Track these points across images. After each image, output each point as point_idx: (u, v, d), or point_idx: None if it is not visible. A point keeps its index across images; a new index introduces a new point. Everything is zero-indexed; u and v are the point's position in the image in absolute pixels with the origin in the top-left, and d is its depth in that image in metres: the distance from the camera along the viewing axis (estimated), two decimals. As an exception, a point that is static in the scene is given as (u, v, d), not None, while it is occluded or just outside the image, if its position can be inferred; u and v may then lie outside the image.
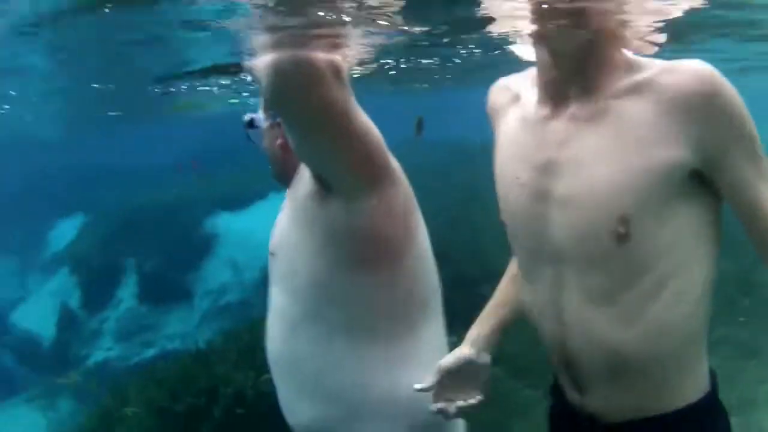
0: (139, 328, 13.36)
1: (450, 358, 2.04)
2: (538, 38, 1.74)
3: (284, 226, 2.42)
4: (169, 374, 7.78)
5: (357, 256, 2.24)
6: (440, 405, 2.05)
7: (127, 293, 14.15)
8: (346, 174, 2.19)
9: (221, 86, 10.16)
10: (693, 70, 1.60)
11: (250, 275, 13.17)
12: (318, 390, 2.33)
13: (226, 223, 15.28)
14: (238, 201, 15.65)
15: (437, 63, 10.80)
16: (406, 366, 2.28)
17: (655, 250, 1.65)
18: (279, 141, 2.50)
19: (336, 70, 2.02)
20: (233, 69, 6.70)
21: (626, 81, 1.68)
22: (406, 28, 4.67)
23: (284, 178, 2.52)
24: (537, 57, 1.82)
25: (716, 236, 1.73)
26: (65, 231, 18.07)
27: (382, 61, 8.82)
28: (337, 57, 2.05)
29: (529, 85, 1.91)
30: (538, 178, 1.79)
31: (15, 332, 15.11)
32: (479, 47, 9.58)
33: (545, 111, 1.80)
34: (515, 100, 1.95)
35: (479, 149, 17.76)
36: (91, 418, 8.28)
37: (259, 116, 2.60)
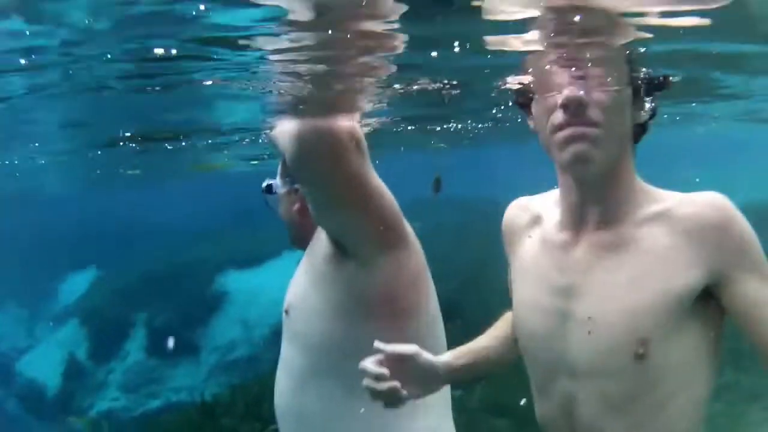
0: (145, 380, 13.30)
1: (397, 347, 2.01)
2: (563, 166, 1.79)
3: (300, 285, 2.46)
4: (174, 426, 7.74)
5: (371, 314, 2.28)
6: (371, 373, 1.97)
7: (135, 346, 14.12)
8: (362, 239, 2.25)
9: (239, 147, 10.26)
10: (709, 202, 1.72)
11: (260, 332, 13.15)
12: None
13: (238, 281, 15.35)
14: (251, 259, 15.75)
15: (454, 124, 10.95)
16: (415, 419, 2.29)
17: (668, 366, 1.74)
18: (296, 206, 2.59)
19: (356, 141, 2.11)
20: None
21: (645, 210, 1.77)
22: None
23: (301, 242, 2.59)
24: (560, 183, 1.89)
25: (719, 350, 1.81)
26: (77, 284, 18.16)
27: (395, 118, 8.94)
28: (356, 126, 2.14)
29: (550, 205, 1.98)
30: (560, 300, 1.85)
31: (21, 380, 14.98)
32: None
33: (566, 236, 1.87)
34: (535, 221, 2.02)
35: (494, 208, 17.89)
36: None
37: (277, 182, 2.67)
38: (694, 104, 8.90)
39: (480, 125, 10.99)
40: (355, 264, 2.26)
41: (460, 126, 11.14)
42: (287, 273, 2.58)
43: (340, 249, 2.28)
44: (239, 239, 16.73)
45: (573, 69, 2.27)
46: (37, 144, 9.28)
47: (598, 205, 1.80)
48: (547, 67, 2.09)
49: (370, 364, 1.93)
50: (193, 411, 8.61)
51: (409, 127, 10.25)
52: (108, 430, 10.10)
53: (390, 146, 13.82)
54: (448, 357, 2.13)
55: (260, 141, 8.42)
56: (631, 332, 1.72)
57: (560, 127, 1.71)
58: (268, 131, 2.94)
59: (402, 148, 16.42)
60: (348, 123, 2.14)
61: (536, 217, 2.01)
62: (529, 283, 1.97)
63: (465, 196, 17.53)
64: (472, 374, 2.11)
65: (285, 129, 2.21)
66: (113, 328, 14.44)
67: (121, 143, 9.99)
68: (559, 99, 1.69)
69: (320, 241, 2.38)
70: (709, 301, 1.74)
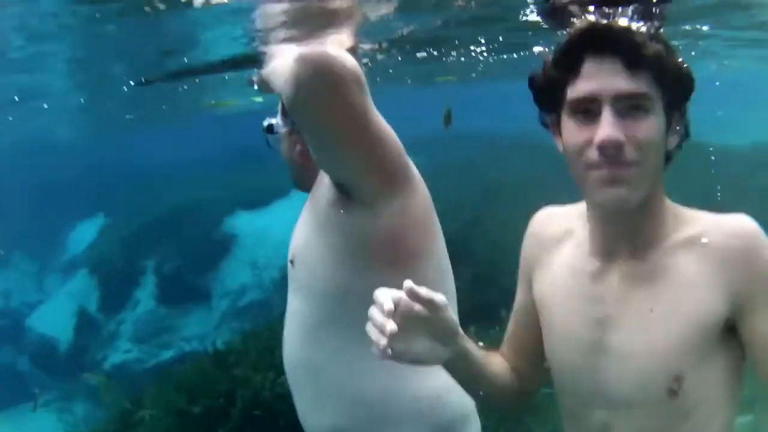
0: (157, 330, 13.37)
1: (429, 291, 1.75)
2: (598, 205, 1.76)
3: (304, 233, 2.41)
4: (186, 377, 7.68)
5: (379, 259, 2.23)
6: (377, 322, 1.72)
7: (145, 294, 14.18)
8: (366, 182, 2.19)
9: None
10: (738, 228, 1.69)
11: (269, 275, 13.16)
12: (341, 397, 2.34)
13: (246, 223, 15.28)
14: (258, 200, 15.68)
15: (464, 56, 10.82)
16: (426, 378, 2.25)
17: (700, 399, 1.73)
18: (298, 147, 2.50)
19: (356, 77, 2.03)
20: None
21: (675, 237, 1.75)
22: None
23: (304, 184, 2.53)
24: (589, 211, 1.85)
25: (741, 385, 1.80)
26: (85, 233, 18.18)
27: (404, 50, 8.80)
28: (354, 61, 2.05)
29: (580, 222, 1.92)
30: (594, 331, 1.83)
31: (32, 337, 15.15)
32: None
33: (597, 264, 1.84)
34: (567, 235, 1.97)
35: (505, 142, 17.89)
36: (107, 421, 8.23)
37: (278, 121, 2.59)
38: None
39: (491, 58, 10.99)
40: (359, 208, 2.22)
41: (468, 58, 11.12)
42: (295, 213, 2.52)
43: (343, 193, 2.23)
44: (245, 179, 16.58)
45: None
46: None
47: (630, 234, 1.78)
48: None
49: (378, 314, 1.70)
50: (206, 361, 8.51)
51: (418, 54, 10.19)
52: (123, 384, 10.04)
53: (397, 79, 13.75)
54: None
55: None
56: (666, 368, 1.72)
57: (595, 166, 1.64)
58: (254, 76, 2.67)
59: (409, 81, 16.34)
60: (348, 58, 2.04)
61: (568, 231, 1.96)
62: (560, 311, 1.92)
63: (475, 130, 17.28)
64: (469, 369, 1.92)
65: (278, 68, 2.13)
66: (122, 277, 14.48)
67: (124, 87, 10.08)
68: (595, 136, 1.62)
69: (323, 184, 2.33)
70: (735, 331, 1.71)
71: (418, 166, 2.32)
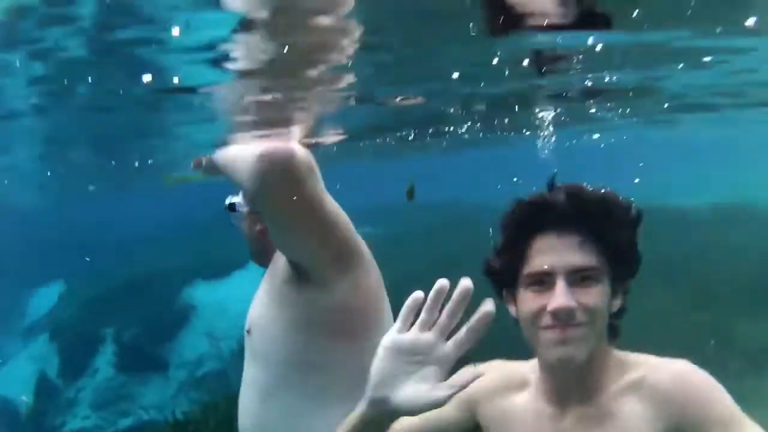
0: (115, 397, 13.25)
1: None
2: (548, 363, 1.89)
3: (261, 305, 2.50)
4: (145, 446, 7.81)
5: (332, 330, 2.33)
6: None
7: (104, 362, 14.04)
8: (320, 262, 2.29)
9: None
10: (675, 371, 1.80)
11: (227, 345, 13.15)
12: None
13: (205, 294, 15.33)
14: (217, 272, 15.74)
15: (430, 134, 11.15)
16: None
17: None
18: (258, 227, 2.65)
19: (311, 170, 2.14)
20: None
21: (620, 382, 1.86)
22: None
23: (263, 259, 2.63)
24: (540, 366, 1.96)
25: None
26: (46, 298, 18.09)
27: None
28: (308, 155, 2.14)
29: (534, 376, 2.02)
30: None
31: (-8, 398, 14.86)
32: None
33: (552, 409, 1.94)
34: (524, 383, 2.04)
35: (461, 211, 18.24)
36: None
37: (240, 200, 2.70)
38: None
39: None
40: (314, 286, 2.31)
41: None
42: (253, 285, 2.61)
43: (298, 272, 2.34)
44: (205, 250, 16.73)
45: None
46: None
47: (579, 384, 1.89)
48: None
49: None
50: (165, 430, 8.66)
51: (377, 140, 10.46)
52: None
53: (353, 156, 13.98)
54: None
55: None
56: None
57: (548, 327, 1.78)
58: (201, 159, 2.75)
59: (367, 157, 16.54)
60: (302, 153, 2.14)
61: (524, 380, 2.04)
62: None
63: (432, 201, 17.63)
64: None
65: (238, 161, 2.21)
66: (82, 344, 14.38)
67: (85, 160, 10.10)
68: (549, 303, 1.76)
69: (280, 261, 2.44)
70: None
71: (376, 236, 2.47)
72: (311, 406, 2.35)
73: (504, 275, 1.90)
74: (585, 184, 1.84)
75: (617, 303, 1.87)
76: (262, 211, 2.38)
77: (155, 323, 14.30)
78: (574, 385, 1.89)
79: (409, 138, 11.10)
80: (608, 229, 1.79)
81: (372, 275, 2.42)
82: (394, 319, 1.80)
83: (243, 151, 2.20)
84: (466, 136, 11.50)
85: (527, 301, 1.82)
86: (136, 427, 11.95)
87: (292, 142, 2.21)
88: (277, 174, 2.09)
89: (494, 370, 2.08)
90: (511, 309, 1.92)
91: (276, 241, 2.37)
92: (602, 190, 1.82)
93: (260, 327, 2.47)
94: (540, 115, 9.34)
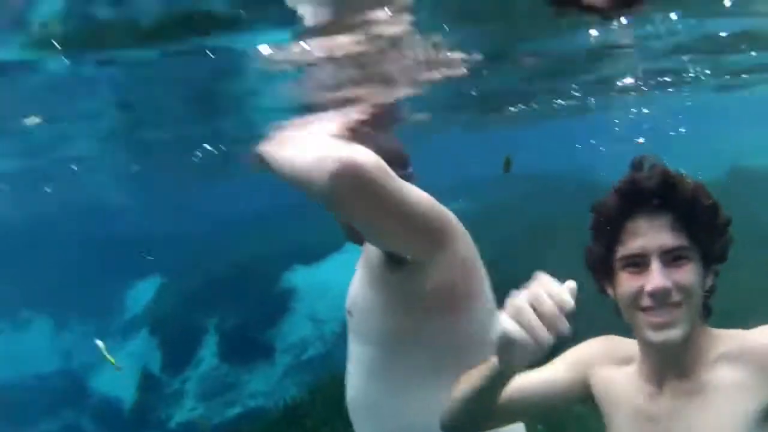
0: (221, 387, 13.35)
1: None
2: (651, 344, 1.92)
3: (358, 288, 2.57)
4: (256, 433, 7.72)
5: (432, 307, 2.35)
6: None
7: (208, 352, 14.22)
8: (412, 249, 2.30)
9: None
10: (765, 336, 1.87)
11: (330, 328, 13.24)
12: (398, 428, 2.45)
13: (303, 278, 15.38)
14: (314, 255, 15.78)
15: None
16: None
17: None
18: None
19: (383, 171, 2.06)
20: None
21: (716, 354, 1.91)
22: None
23: (357, 238, 2.56)
24: (640, 345, 2.02)
25: None
26: (143, 293, 18.41)
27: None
28: (375, 156, 2.06)
29: (635, 351, 2.08)
30: None
31: (95, 398, 15.10)
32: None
33: (651, 386, 2.00)
34: (629, 359, 2.11)
35: (551, 181, 17.87)
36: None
37: None
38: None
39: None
40: (408, 268, 2.34)
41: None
42: (351, 266, 2.67)
43: (392, 257, 2.38)
44: (301, 234, 16.58)
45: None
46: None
47: (676, 363, 1.94)
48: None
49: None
50: (274, 416, 8.71)
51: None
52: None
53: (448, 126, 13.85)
54: None
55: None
56: None
57: (647, 309, 1.85)
58: (256, 153, 2.55)
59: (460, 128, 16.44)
60: (369, 156, 2.06)
61: (630, 357, 2.11)
62: (618, 422, 2.08)
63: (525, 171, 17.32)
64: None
65: (297, 165, 2.15)
66: (184, 336, 14.57)
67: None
68: (646, 284, 1.83)
69: (372, 246, 2.48)
70: None
71: (468, 210, 2.29)
72: (418, 380, 2.40)
73: (601, 259, 1.98)
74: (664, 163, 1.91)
75: (709, 281, 1.93)
76: (342, 215, 2.37)
77: (257, 310, 14.42)
78: (671, 364, 1.95)
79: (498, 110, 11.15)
80: (705, 213, 1.87)
81: (465, 247, 2.41)
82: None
83: (301, 160, 2.15)
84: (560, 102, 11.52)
85: (624, 282, 1.90)
86: (244, 415, 11.88)
87: (355, 145, 2.11)
88: (351, 194, 2.05)
89: (607, 341, 2.20)
90: (610, 291, 2.00)
91: (363, 235, 2.35)
92: (684, 174, 1.90)
93: (360, 308, 2.54)
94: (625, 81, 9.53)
